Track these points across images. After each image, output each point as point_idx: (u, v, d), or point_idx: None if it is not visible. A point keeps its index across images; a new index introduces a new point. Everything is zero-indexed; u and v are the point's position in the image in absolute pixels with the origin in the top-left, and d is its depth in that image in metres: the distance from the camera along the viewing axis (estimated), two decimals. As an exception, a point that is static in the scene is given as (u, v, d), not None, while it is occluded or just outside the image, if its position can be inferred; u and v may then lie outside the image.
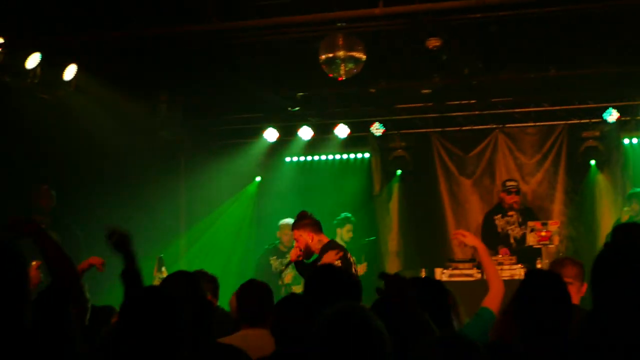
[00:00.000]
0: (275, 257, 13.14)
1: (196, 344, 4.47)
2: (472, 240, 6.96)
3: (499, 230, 12.91)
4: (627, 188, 13.36)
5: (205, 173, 14.66)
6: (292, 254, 8.98)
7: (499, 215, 13.00)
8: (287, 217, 13.44)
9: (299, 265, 8.85)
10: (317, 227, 9.05)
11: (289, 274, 11.88)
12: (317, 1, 9.66)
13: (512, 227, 12.86)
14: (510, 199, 12.89)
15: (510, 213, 12.90)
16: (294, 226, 9.13)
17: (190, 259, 13.79)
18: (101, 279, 7.33)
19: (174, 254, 13.33)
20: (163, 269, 9.15)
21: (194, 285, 5.15)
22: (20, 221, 4.56)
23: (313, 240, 8.88)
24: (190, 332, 4.16)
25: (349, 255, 8.90)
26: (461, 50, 11.43)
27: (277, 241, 13.28)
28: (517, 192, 12.97)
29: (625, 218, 12.12)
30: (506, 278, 11.13)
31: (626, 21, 10.52)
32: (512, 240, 12.77)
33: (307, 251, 8.90)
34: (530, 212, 13.20)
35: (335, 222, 13.21)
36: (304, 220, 9.07)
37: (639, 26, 10.62)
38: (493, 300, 5.93)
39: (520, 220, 12.81)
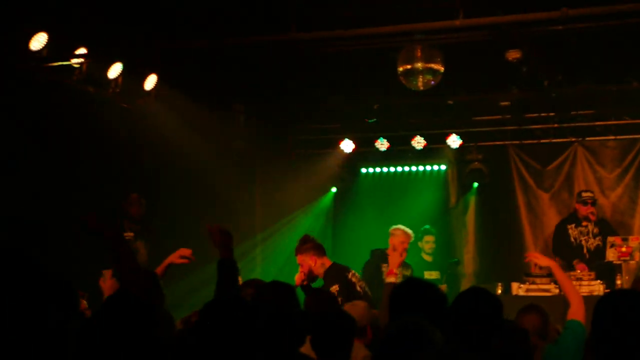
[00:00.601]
0: (386, 265, 13.04)
1: (273, 352, 4.45)
2: (545, 261, 6.91)
3: (572, 240, 12.66)
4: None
5: (280, 183, 14.70)
6: (297, 279, 8.83)
7: (573, 225, 12.74)
8: (361, 229, 13.50)
9: (305, 289, 8.70)
10: (319, 250, 8.93)
11: None
12: (396, 13, 9.63)
13: (586, 237, 12.62)
14: (585, 210, 12.62)
15: (584, 223, 12.65)
16: (297, 251, 8.97)
17: (265, 268, 13.86)
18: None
19: (249, 261, 13.43)
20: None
21: (290, 297, 5.19)
22: (101, 222, 4.62)
23: (316, 264, 8.77)
24: (269, 341, 4.17)
25: (350, 275, 8.81)
26: (541, 62, 11.32)
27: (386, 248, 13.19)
28: (594, 203, 12.69)
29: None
30: (585, 294, 10.96)
31: None
32: (585, 251, 12.53)
33: (311, 275, 8.82)
34: (606, 225, 12.96)
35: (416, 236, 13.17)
36: (306, 245, 8.95)
37: None
38: (578, 312, 5.86)
39: (595, 231, 12.56)
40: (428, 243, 13.16)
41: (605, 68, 11.88)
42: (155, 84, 11.30)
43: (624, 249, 11.55)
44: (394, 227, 11.45)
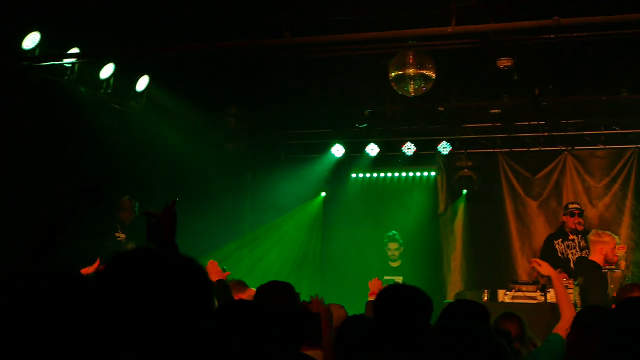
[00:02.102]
0: (560, 240, 13.11)
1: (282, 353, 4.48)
2: (547, 270, 6.97)
3: (559, 254, 12.74)
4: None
5: (270, 186, 14.74)
6: None
7: (560, 240, 12.81)
8: (350, 234, 13.54)
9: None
10: (240, 285, 8.89)
11: None
12: (388, 19, 9.66)
13: (573, 250, 12.69)
14: (573, 222, 12.70)
15: (571, 237, 12.73)
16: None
17: (252, 269, 13.87)
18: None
19: (236, 262, 13.43)
20: None
21: (290, 297, 5.21)
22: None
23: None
24: (280, 343, 4.20)
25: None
26: (532, 71, 11.36)
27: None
28: (580, 214, 12.77)
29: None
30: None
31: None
32: (572, 265, 12.60)
33: None
34: None
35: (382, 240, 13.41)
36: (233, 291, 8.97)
37: None
38: (563, 328, 5.93)
39: (582, 244, 12.63)
40: (390, 250, 13.44)
41: (596, 78, 11.94)
42: (147, 86, 11.32)
43: (610, 258, 11.61)
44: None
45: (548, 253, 12.84)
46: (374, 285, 8.75)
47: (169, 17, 10.02)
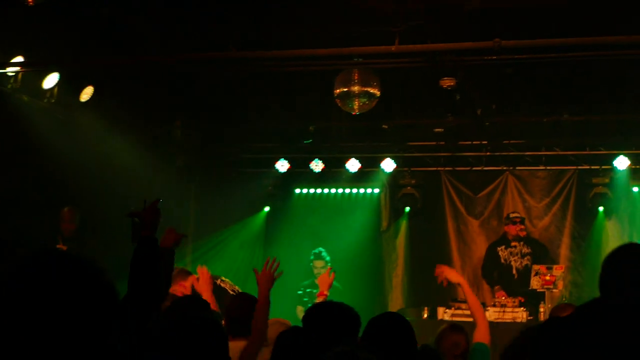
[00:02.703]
0: (503, 247, 13.10)
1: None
2: (455, 277, 6.99)
3: (502, 261, 12.93)
4: (634, 237, 13.35)
5: (215, 200, 14.69)
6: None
7: (503, 247, 13.01)
8: (292, 249, 13.55)
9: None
10: (183, 273, 9.02)
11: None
12: (335, 36, 9.73)
13: (516, 257, 12.88)
14: (515, 229, 12.90)
15: (514, 244, 12.92)
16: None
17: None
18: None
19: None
20: None
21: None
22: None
23: (186, 287, 8.87)
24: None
25: (218, 281, 9.18)
26: (475, 91, 11.51)
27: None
28: (522, 221, 13.01)
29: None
30: (508, 321, 11.17)
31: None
32: (514, 272, 12.79)
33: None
34: (536, 243, 13.30)
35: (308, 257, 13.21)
36: (175, 278, 9.05)
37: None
38: (484, 334, 6.05)
39: (524, 251, 12.83)
40: (316, 268, 12.83)
41: (538, 99, 12.13)
42: (92, 97, 11.24)
43: (547, 277, 11.79)
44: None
45: (491, 260, 13.03)
46: (324, 283, 8.55)
47: (117, 28, 9.99)
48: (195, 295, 7.90)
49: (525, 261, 12.73)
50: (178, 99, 12.24)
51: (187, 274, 9.03)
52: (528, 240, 13.11)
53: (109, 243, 11.21)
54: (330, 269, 7.39)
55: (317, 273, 12.49)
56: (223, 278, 9.51)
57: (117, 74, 11.16)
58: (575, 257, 14.16)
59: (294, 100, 12.53)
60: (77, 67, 10.72)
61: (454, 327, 6.23)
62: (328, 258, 12.92)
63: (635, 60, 10.10)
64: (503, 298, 11.81)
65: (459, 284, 7.10)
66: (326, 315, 4.50)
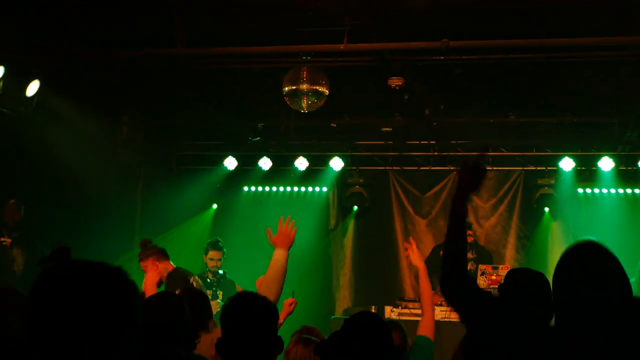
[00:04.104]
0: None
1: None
2: (417, 261, 6.99)
3: (445, 263, 12.95)
4: (579, 237, 13.45)
5: (162, 197, 14.59)
6: (149, 284, 8.74)
7: (447, 249, 13.04)
8: (239, 247, 13.49)
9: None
10: (161, 254, 9.03)
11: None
12: (284, 33, 9.70)
13: None
14: (460, 233, 12.93)
15: (458, 247, 12.95)
16: (140, 257, 9.01)
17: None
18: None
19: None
20: None
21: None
22: None
23: (158, 268, 8.85)
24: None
25: (192, 280, 9.05)
26: (423, 91, 11.54)
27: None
28: (469, 226, 13.02)
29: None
30: (454, 320, 11.19)
31: (586, 73, 10.71)
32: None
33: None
34: (481, 249, 13.36)
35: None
36: (148, 250, 9.03)
37: (598, 78, 10.82)
38: (428, 326, 6.07)
39: (469, 255, 12.87)
40: (212, 260, 11.80)
41: (486, 100, 12.20)
42: (38, 91, 11.08)
43: (493, 277, 11.86)
44: None
45: (435, 261, 13.03)
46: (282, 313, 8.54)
47: (64, 21, 9.86)
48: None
49: (470, 266, 12.76)
50: (125, 94, 12.12)
51: (165, 257, 9.01)
52: (474, 246, 13.15)
53: (49, 234, 11.12)
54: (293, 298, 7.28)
55: (213, 266, 11.82)
56: (196, 277, 9.37)
57: (63, 68, 11.01)
58: (521, 258, 14.29)
59: (243, 98, 12.48)
60: (21, 60, 10.54)
61: (390, 322, 6.23)
62: (225, 250, 12.03)
63: (583, 62, 10.20)
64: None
65: (417, 268, 7.08)
66: (244, 309, 4.35)
